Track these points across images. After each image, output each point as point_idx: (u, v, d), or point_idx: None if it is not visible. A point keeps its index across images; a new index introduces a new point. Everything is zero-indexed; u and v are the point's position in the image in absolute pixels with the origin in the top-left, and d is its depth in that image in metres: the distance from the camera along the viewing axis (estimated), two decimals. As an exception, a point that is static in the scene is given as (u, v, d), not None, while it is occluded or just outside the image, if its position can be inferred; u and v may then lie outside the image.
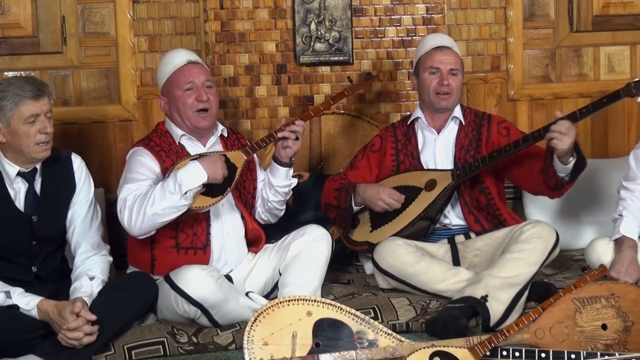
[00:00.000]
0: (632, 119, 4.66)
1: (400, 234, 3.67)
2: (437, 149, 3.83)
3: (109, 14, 4.23)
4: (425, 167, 3.81)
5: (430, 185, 3.71)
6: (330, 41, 4.30)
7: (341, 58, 4.32)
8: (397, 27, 4.34)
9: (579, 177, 3.57)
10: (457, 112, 3.84)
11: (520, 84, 4.54)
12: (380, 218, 3.76)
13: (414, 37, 4.33)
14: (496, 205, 3.75)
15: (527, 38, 4.54)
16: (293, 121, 3.53)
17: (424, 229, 3.74)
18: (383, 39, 4.34)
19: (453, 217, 3.79)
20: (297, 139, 3.50)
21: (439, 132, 3.84)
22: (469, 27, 4.48)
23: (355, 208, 3.79)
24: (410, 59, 4.33)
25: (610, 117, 4.63)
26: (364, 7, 4.33)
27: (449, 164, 3.79)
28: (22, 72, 4.14)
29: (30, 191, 3.19)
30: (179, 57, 3.54)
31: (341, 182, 3.86)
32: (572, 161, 3.48)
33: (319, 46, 4.30)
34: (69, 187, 3.30)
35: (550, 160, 3.50)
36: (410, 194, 3.72)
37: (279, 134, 3.49)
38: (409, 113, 4.29)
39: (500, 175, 3.82)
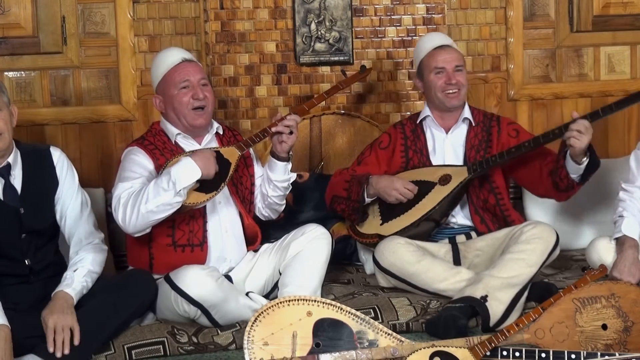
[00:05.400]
0: (632, 119, 4.66)
1: (409, 229, 3.66)
2: (446, 148, 3.83)
3: (109, 14, 4.23)
4: (434, 164, 3.80)
5: (445, 179, 3.70)
6: (331, 41, 4.30)
7: (341, 58, 4.32)
8: (397, 27, 4.35)
9: (589, 178, 3.57)
10: (467, 112, 3.84)
11: (521, 84, 4.54)
12: (391, 211, 3.74)
13: (414, 37, 4.33)
14: (505, 206, 3.75)
15: (527, 38, 4.54)
16: (286, 115, 3.53)
17: (428, 231, 3.74)
18: (383, 39, 4.34)
19: (460, 217, 3.78)
20: (291, 133, 3.48)
21: (447, 131, 3.84)
22: (469, 27, 4.48)
23: (367, 199, 3.77)
24: (411, 58, 4.33)
25: (610, 117, 4.62)
26: (364, 7, 4.33)
27: (458, 163, 3.79)
28: (23, 72, 4.15)
29: (7, 186, 3.18)
30: (173, 56, 3.54)
31: (351, 175, 3.84)
32: (585, 161, 3.49)
33: (319, 46, 4.30)
34: (51, 181, 3.29)
35: (564, 160, 3.51)
36: (423, 188, 3.71)
37: (273, 129, 3.49)
38: (409, 113, 4.30)
39: (507, 176, 3.82)
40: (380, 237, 3.70)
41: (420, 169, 3.80)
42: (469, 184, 3.72)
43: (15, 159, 3.21)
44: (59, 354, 2.98)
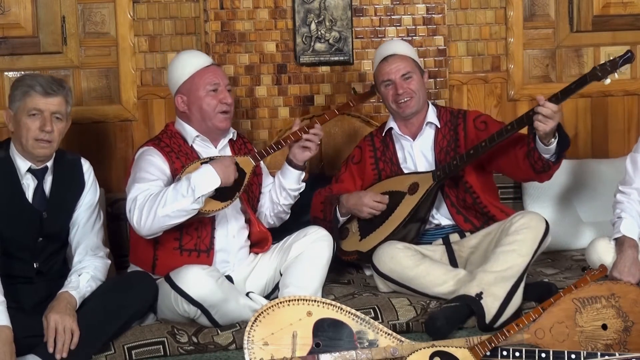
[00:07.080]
0: (632, 119, 4.66)
1: (389, 238, 3.66)
2: (415, 154, 3.83)
3: (109, 14, 4.23)
4: (406, 172, 3.81)
5: (413, 188, 3.70)
6: (331, 41, 4.30)
7: (341, 58, 4.32)
8: (397, 27, 4.34)
9: (564, 156, 3.54)
10: (432, 116, 3.82)
11: (521, 84, 4.54)
12: (368, 226, 3.75)
13: (414, 37, 4.33)
14: (482, 204, 3.73)
15: (527, 38, 4.54)
16: (312, 125, 3.56)
17: (416, 231, 3.73)
18: (383, 39, 4.33)
19: (442, 218, 3.78)
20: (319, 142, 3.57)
21: (414, 138, 3.84)
22: (469, 27, 4.48)
23: (341, 219, 3.80)
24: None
25: (610, 117, 4.63)
26: (364, 7, 4.33)
27: (429, 168, 3.77)
28: (23, 72, 4.13)
29: (38, 188, 3.22)
30: (201, 58, 3.58)
31: (325, 195, 3.88)
32: (553, 142, 3.45)
33: (319, 46, 4.30)
34: (77, 189, 3.34)
35: (534, 143, 3.48)
36: (395, 198, 3.71)
37: (305, 136, 3.53)
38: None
39: (486, 169, 3.80)
40: (360, 254, 3.72)
41: (390, 179, 3.81)
42: (441, 188, 3.71)
43: (51, 164, 3.26)
44: (58, 357, 2.99)
